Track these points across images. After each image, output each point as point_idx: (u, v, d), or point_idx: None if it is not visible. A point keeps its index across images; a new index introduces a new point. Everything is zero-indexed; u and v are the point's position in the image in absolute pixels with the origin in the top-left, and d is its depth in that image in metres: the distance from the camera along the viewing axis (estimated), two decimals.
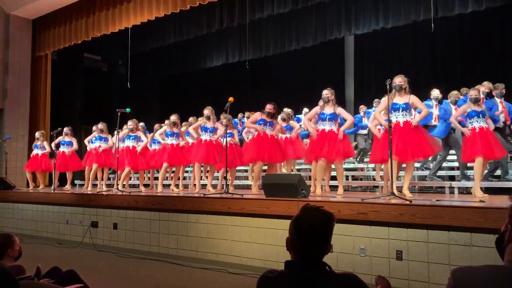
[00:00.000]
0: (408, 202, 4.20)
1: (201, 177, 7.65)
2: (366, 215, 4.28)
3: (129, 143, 8.26)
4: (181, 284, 4.74)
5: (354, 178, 9.03)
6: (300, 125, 8.17)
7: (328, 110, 5.80)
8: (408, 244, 4.06)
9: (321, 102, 5.95)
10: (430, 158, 7.40)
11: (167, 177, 9.01)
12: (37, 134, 9.64)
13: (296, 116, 9.71)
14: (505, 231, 1.45)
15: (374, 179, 8.09)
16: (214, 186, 7.65)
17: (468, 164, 6.48)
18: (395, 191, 4.77)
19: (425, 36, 11.50)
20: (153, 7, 9.15)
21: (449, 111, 6.74)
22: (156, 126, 9.15)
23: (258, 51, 12.74)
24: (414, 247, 4.02)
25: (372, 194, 6.20)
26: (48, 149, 9.34)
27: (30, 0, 10.79)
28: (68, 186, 9.35)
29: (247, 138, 7.97)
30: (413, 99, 5.13)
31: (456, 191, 6.54)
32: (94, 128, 9.24)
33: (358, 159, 9.32)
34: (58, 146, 9.14)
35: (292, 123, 8.03)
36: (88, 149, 8.96)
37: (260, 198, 5.25)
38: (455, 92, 7.22)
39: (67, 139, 9.17)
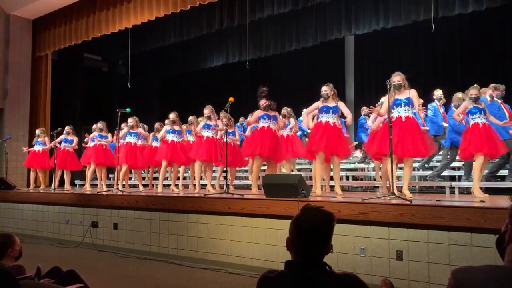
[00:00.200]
0: (408, 202, 4.20)
1: (201, 177, 7.64)
2: (367, 215, 4.28)
3: (130, 139, 8.27)
4: (181, 284, 4.74)
5: (355, 178, 9.03)
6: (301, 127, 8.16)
7: (331, 103, 5.79)
8: (408, 244, 4.06)
9: (322, 99, 5.92)
10: (425, 159, 7.40)
11: (167, 177, 9.00)
12: (37, 131, 9.65)
13: (299, 119, 9.69)
14: (506, 231, 1.45)
15: (374, 179, 8.10)
16: (214, 186, 7.66)
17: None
18: (395, 191, 4.77)
19: (425, 36, 11.49)
20: (153, 7, 9.16)
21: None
22: (157, 125, 9.15)
23: (258, 51, 12.73)
24: (415, 247, 4.02)
25: (372, 194, 6.21)
26: (48, 146, 9.35)
27: (30, 0, 10.80)
28: (67, 186, 9.36)
29: None
30: (413, 94, 5.17)
31: (456, 191, 6.55)
32: (94, 127, 9.25)
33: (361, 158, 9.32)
34: (59, 143, 9.15)
35: (292, 121, 8.03)
36: (86, 145, 8.97)
37: (260, 198, 5.24)
38: (459, 96, 7.20)
39: (69, 137, 9.19)
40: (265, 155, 6.33)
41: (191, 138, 8.00)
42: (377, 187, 7.67)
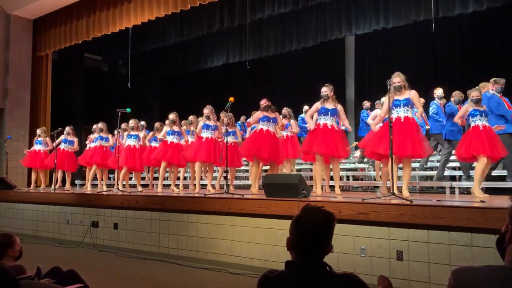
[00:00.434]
0: (408, 202, 4.20)
1: (201, 177, 7.64)
2: (367, 215, 4.28)
3: (130, 142, 8.28)
4: (182, 284, 4.74)
5: (355, 178, 9.02)
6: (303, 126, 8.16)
7: (329, 105, 5.79)
8: (408, 244, 4.06)
9: (321, 100, 5.92)
10: (423, 159, 7.40)
11: (167, 177, 9.01)
12: (38, 131, 9.65)
13: (300, 115, 9.70)
14: (506, 232, 1.45)
15: (374, 179, 8.09)
16: (214, 186, 7.65)
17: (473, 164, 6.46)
18: (395, 191, 4.77)
19: (425, 36, 11.49)
20: (154, 7, 9.16)
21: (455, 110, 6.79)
22: (157, 124, 9.15)
23: (259, 51, 12.73)
24: (415, 247, 4.02)
25: (372, 194, 6.20)
26: (50, 146, 9.35)
27: (30, 0, 10.80)
28: (68, 186, 9.36)
29: None
30: (413, 94, 5.17)
31: (456, 191, 6.54)
32: (94, 127, 9.25)
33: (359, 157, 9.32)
34: (59, 144, 9.16)
35: (293, 122, 8.02)
36: (87, 147, 8.98)
37: (260, 198, 5.24)
38: (455, 92, 7.22)
39: (69, 138, 9.19)
40: (263, 157, 6.36)
41: (190, 138, 8.00)
42: (377, 187, 7.67)
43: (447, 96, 7.63)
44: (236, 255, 5.29)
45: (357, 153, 9.51)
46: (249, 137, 7.09)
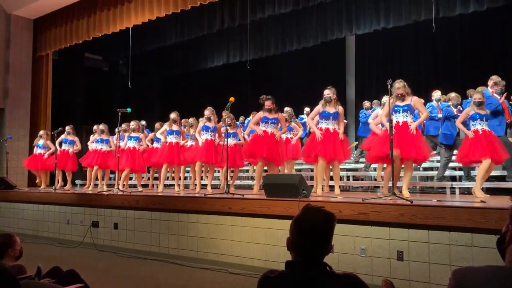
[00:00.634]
0: (408, 203, 4.20)
1: (201, 177, 7.64)
2: (367, 215, 4.28)
3: (130, 144, 8.27)
4: (182, 284, 4.74)
5: (355, 178, 9.02)
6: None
7: (331, 109, 5.79)
8: (409, 245, 4.06)
9: (322, 101, 5.92)
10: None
11: (167, 177, 9.01)
12: (41, 132, 9.64)
13: (300, 116, 9.70)
14: (506, 232, 1.44)
15: (375, 179, 8.09)
16: (215, 186, 7.65)
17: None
18: (396, 191, 4.76)
19: (426, 36, 11.48)
20: (154, 7, 9.16)
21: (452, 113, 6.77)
22: (157, 125, 9.15)
23: (259, 51, 12.72)
24: (415, 247, 4.02)
25: (373, 195, 6.20)
26: (53, 149, 9.34)
27: (31, 0, 10.80)
28: (68, 186, 9.36)
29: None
30: (415, 100, 5.14)
31: (457, 191, 6.54)
32: (94, 128, 9.25)
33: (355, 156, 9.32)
34: (60, 144, 9.17)
35: (294, 124, 7.98)
36: (89, 149, 9.00)
37: (260, 198, 5.25)
38: (452, 95, 7.20)
39: (69, 138, 9.19)
40: (260, 158, 6.37)
41: (190, 142, 7.98)
42: (378, 187, 7.66)
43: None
44: (236, 255, 5.29)
45: (357, 152, 9.51)
46: (249, 139, 7.10)
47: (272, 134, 6.34)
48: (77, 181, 11.36)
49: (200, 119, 7.95)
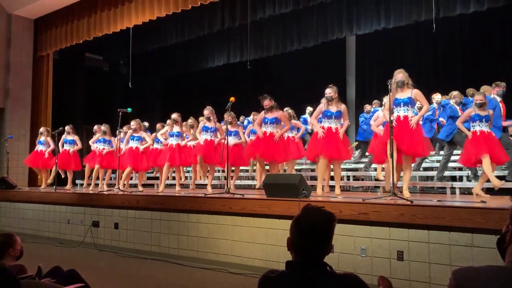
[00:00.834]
0: (409, 203, 4.20)
1: (200, 176, 7.65)
2: (367, 215, 4.28)
3: (132, 144, 8.27)
4: (182, 284, 4.74)
5: (355, 178, 9.01)
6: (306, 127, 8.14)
7: (333, 108, 5.79)
8: (409, 245, 4.06)
9: (324, 100, 5.92)
10: (418, 160, 7.39)
11: (168, 177, 9.00)
12: (41, 130, 9.64)
13: (302, 116, 9.69)
14: (507, 232, 1.44)
15: (375, 179, 8.08)
16: (215, 186, 7.65)
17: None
18: (396, 191, 4.76)
19: (426, 37, 11.48)
20: (155, 7, 9.16)
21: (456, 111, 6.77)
22: (158, 125, 9.15)
23: (260, 51, 12.72)
24: (415, 247, 4.02)
25: (373, 195, 6.20)
26: (52, 146, 9.33)
27: (31, 0, 10.80)
28: (69, 186, 9.36)
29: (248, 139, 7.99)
30: (416, 93, 5.11)
31: (457, 191, 6.54)
32: (95, 128, 9.25)
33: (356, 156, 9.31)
34: (62, 145, 9.17)
35: (295, 122, 7.98)
36: (92, 148, 9.00)
37: (261, 198, 5.25)
38: (455, 93, 7.20)
39: (69, 137, 9.18)
40: (263, 157, 6.39)
41: (191, 143, 7.99)
42: (378, 187, 7.66)
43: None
44: (237, 255, 5.30)
45: (358, 154, 9.50)
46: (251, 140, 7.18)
47: (271, 134, 6.35)
48: (77, 181, 11.36)
49: (200, 119, 7.96)
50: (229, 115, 7.16)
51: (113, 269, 5.49)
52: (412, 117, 5.05)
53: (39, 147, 9.47)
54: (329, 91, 5.81)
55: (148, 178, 9.90)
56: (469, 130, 5.54)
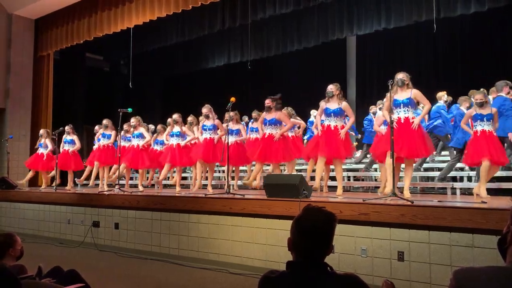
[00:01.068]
0: (409, 203, 4.19)
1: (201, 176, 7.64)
2: (368, 215, 4.27)
3: (134, 141, 8.26)
4: (182, 284, 4.74)
5: (356, 178, 9.01)
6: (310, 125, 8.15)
7: (333, 105, 5.76)
8: (409, 245, 4.06)
9: (326, 98, 5.90)
10: (419, 160, 7.38)
11: (168, 177, 8.99)
12: (41, 132, 9.64)
13: (309, 120, 9.66)
14: (507, 232, 1.44)
15: (376, 180, 8.08)
16: (215, 187, 7.65)
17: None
18: (396, 191, 4.76)
19: (427, 37, 11.48)
20: (155, 7, 9.16)
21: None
22: (159, 127, 9.13)
23: (260, 52, 12.72)
24: (416, 248, 4.02)
25: (373, 195, 6.20)
26: (50, 147, 9.32)
27: (32, 0, 10.81)
28: (69, 186, 9.35)
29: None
30: (415, 93, 5.09)
31: (458, 192, 6.54)
32: (96, 128, 9.24)
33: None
34: (62, 145, 9.17)
35: (295, 120, 7.97)
36: (94, 147, 9.00)
37: (261, 198, 5.24)
38: (463, 98, 7.17)
39: (68, 137, 9.18)
40: (258, 160, 6.42)
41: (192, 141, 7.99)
42: (378, 187, 7.65)
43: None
44: (237, 255, 5.29)
45: (358, 154, 9.49)
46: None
47: (269, 136, 6.34)
48: (78, 181, 11.36)
49: (200, 118, 7.95)
50: (235, 113, 7.19)
51: (113, 269, 5.49)
52: (413, 118, 5.04)
53: (39, 150, 9.47)
54: (331, 87, 5.78)
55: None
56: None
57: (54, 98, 12.15)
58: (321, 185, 6.12)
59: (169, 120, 8.24)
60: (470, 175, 7.16)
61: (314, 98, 7.08)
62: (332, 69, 13.53)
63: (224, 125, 6.83)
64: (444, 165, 7.93)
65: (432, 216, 3.91)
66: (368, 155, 8.82)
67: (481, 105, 5.40)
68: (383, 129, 5.71)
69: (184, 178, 8.89)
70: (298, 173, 7.88)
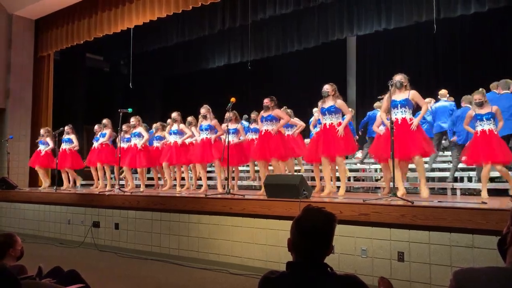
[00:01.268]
0: (409, 204, 4.19)
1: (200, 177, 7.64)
2: (368, 216, 4.27)
3: (132, 140, 8.26)
4: (182, 284, 4.74)
5: (356, 179, 9.02)
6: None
7: (328, 104, 5.76)
8: (409, 246, 4.06)
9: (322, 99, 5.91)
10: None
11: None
12: (42, 131, 9.64)
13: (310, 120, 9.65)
14: (508, 233, 1.44)
15: (376, 180, 8.08)
16: (214, 187, 7.64)
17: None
18: (401, 191, 4.76)
19: (427, 37, 11.49)
20: (155, 7, 9.16)
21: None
22: (157, 124, 9.12)
23: (260, 52, 12.72)
24: (416, 248, 4.02)
25: (374, 195, 6.20)
26: (51, 145, 9.31)
27: (32, 1, 10.81)
28: (65, 186, 9.33)
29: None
30: (413, 94, 5.09)
31: (458, 192, 6.53)
32: (96, 128, 9.24)
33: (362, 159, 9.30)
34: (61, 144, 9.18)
35: (293, 120, 7.97)
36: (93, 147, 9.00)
37: (261, 198, 5.25)
38: (468, 96, 7.16)
39: (67, 136, 9.18)
40: (256, 158, 6.44)
41: (188, 140, 7.98)
42: (379, 187, 7.65)
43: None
44: (237, 256, 5.29)
45: (358, 154, 9.50)
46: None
47: (266, 132, 6.31)
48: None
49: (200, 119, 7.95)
50: (233, 113, 7.19)
51: (113, 269, 5.49)
52: (410, 119, 5.04)
53: (40, 147, 9.47)
54: (326, 87, 5.76)
55: (149, 178, 9.88)
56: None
57: (54, 98, 12.15)
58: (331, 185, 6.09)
59: (169, 120, 8.23)
60: (470, 175, 7.16)
61: (314, 98, 7.06)
62: (332, 69, 13.53)
63: (224, 125, 6.82)
64: (444, 165, 7.93)
65: (432, 217, 3.91)
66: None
67: (481, 105, 5.40)
68: (381, 129, 5.71)
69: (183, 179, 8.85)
70: (298, 173, 7.88)
